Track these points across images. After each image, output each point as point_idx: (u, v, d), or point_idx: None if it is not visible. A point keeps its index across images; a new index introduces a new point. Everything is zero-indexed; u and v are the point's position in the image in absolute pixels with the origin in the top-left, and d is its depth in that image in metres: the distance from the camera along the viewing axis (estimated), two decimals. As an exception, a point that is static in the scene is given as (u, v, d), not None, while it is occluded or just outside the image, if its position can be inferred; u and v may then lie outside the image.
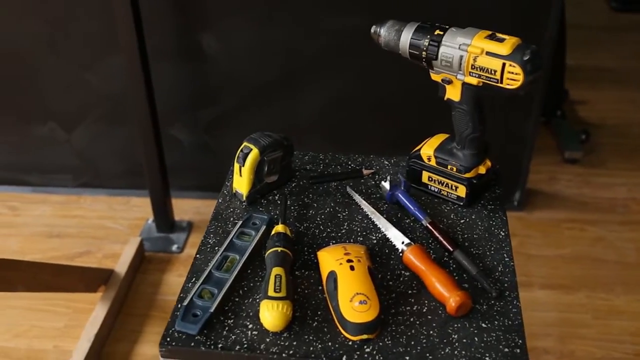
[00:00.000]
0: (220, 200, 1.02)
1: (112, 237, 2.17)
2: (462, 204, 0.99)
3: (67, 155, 2.28)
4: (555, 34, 1.87)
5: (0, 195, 2.36)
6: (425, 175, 1.01)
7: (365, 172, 1.07)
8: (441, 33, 0.90)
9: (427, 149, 1.00)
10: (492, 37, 0.87)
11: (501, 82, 0.86)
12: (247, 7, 1.93)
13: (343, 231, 0.96)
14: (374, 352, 0.77)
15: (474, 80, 0.89)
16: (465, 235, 0.94)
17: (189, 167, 2.25)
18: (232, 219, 0.98)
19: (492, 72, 0.86)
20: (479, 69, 0.87)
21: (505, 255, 0.91)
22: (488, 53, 0.86)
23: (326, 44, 1.96)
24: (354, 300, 0.79)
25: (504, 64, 0.85)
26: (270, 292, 0.80)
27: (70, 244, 2.15)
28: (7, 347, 1.80)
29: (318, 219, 0.98)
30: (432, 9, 1.84)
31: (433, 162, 0.99)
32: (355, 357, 0.77)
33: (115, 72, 2.02)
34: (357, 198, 1.00)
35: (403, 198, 0.98)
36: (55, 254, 2.10)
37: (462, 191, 0.98)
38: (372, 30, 0.97)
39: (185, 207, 2.25)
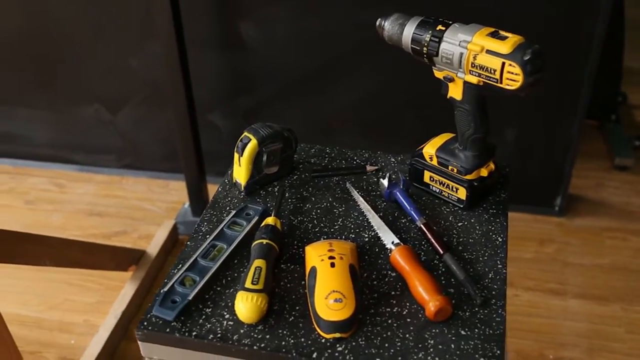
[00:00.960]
0: (220, 189, 1.03)
1: (149, 218, 2.22)
2: (462, 206, 0.96)
3: (111, 136, 2.34)
4: (603, 33, 1.78)
5: (49, 172, 2.45)
6: (427, 175, 0.98)
7: (369, 168, 1.05)
8: (443, 29, 0.87)
9: (430, 148, 0.97)
10: (494, 35, 0.84)
11: (501, 82, 0.83)
12: (286, -4, 1.93)
13: (336, 227, 0.94)
14: (346, 352, 0.76)
15: (474, 79, 0.86)
16: (461, 239, 0.92)
17: (226, 154, 2.26)
18: (228, 208, 0.99)
19: (492, 71, 0.83)
20: (478, 68, 0.84)
21: (498, 262, 0.88)
22: (488, 51, 0.83)
23: (364, 38, 1.93)
24: (329, 298, 0.78)
25: (503, 63, 0.81)
26: (248, 284, 0.80)
27: (109, 223, 2.21)
28: (41, 317, 1.87)
29: (313, 213, 0.97)
30: (473, 2, 1.79)
31: (435, 162, 0.97)
32: (326, 355, 0.76)
33: (157, 58, 2.06)
34: (355, 194, 0.99)
35: (401, 197, 0.95)
36: (93, 232, 2.17)
37: (462, 193, 0.95)
38: (377, 23, 0.95)
39: (221, 194, 2.27)
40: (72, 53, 2.18)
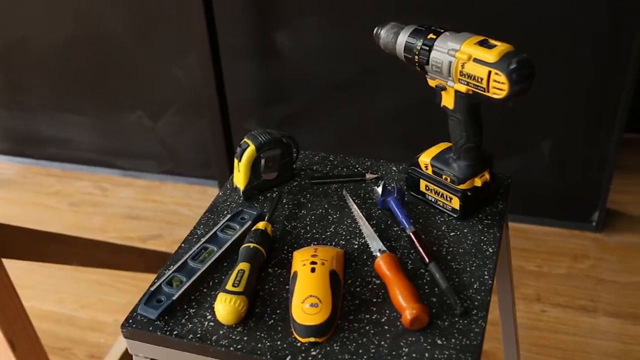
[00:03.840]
0: (220, 193, 1.05)
1: (185, 223, 2.28)
2: (456, 216, 0.95)
3: (152, 142, 2.42)
4: (641, 44, 1.73)
5: (94, 176, 2.55)
6: (422, 184, 0.98)
7: (368, 176, 1.05)
8: (434, 37, 0.87)
9: (425, 157, 0.97)
10: (482, 43, 0.83)
11: (488, 91, 0.82)
12: (321, 7, 1.95)
13: (328, 233, 0.95)
14: (319, 356, 0.76)
15: (463, 88, 0.85)
16: (451, 249, 0.91)
17: (261, 162, 2.31)
18: (225, 212, 1.01)
19: (479, 79, 0.82)
20: (466, 76, 0.84)
21: (485, 272, 0.87)
22: (475, 60, 0.82)
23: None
24: (305, 302, 0.79)
25: (489, 72, 0.81)
26: (229, 286, 0.81)
27: (145, 227, 2.28)
28: (74, 315, 1.94)
29: (307, 220, 0.98)
30: (501, 11, 1.77)
31: (430, 171, 0.96)
32: (300, 358, 0.76)
33: (197, 66, 2.11)
34: (350, 202, 0.99)
35: (393, 205, 0.95)
36: (130, 235, 2.24)
37: (455, 203, 0.94)
38: (374, 32, 0.95)
39: (254, 201, 2.31)
40: (117, 61, 2.26)
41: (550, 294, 1.85)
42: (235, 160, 1.01)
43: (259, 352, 0.78)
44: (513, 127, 1.92)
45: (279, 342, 0.79)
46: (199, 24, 1.83)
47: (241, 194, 1.02)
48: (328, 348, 0.77)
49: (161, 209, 2.37)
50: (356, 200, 1.00)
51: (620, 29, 1.74)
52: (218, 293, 0.81)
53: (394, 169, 1.08)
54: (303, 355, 0.77)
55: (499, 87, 0.80)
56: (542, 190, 2.05)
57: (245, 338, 0.79)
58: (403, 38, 0.90)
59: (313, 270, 0.82)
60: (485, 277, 0.86)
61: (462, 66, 0.84)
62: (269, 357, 0.77)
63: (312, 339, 0.78)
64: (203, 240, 0.93)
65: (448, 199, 0.95)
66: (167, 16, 2.11)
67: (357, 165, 1.10)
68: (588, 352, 1.68)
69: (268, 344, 0.78)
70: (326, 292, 0.80)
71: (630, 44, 1.74)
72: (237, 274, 0.83)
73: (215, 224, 0.98)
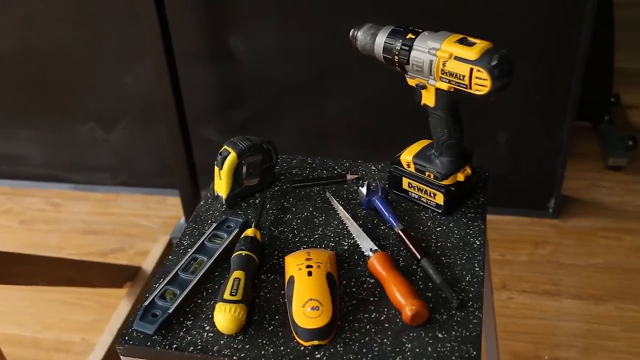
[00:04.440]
0: (202, 203, 1.04)
1: (145, 235, 2.24)
2: (440, 211, 0.97)
3: (105, 154, 2.36)
4: (588, 35, 1.79)
5: (44, 192, 2.47)
6: (405, 182, 0.99)
7: (349, 177, 1.06)
8: (413, 37, 0.88)
9: (407, 155, 0.99)
10: (462, 41, 0.85)
11: (470, 88, 0.84)
12: (275, 9, 1.94)
13: (316, 236, 0.95)
14: (324, 359, 0.77)
15: (445, 86, 0.87)
16: (439, 244, 0.93)
17: (220, 168, 2.29)
18: (209, 221, 1.00)
19: (461, 77, 0.84)
20: (448, 74, 0.85)
21: (476, 264, 0.89)
22: (456, 58, 0.84)
23: (353, 48, 1.95)
24: (306, 306, 0.79)
25: (471, 69, 0.83)
26: (226, 295, 0.81)
27: (105, 241, 2.22)
28: (38, 337, 1.88)
29: (294, 224, 0.98)
30: (455, 10, 1.81)
31: (412, 169, 0.98)
32: (304, 362, 0.77)
33: (150, 74, 2.08)
34: (335, 203, 1.00)
35: (379, 204, 0.96)
36: (90, 250, 2.18)
37: (440, 198, 0.96)
38: (350, 34, 0.96)
39: (216, 207, 2.29)
40: (65, 73, 2.20)
41: (516, 281, 1.90)
42: (216, 168, 1.00)
43: (263, 359, 0.77)
44: (469, 120, 1.96)
45: (282, 348, 0.79)
46: (152, 31, 1.79)
47: (224, 201, 1.01)
48: (332, 350, 0.78)
49: (119, 222, 2.32)
50: (340, 202, 1.01)
51: (569, 24, 1.80)
52: (216, 303, 0.81)
53: (373, 168, 1.09)
54: (308, 359, 0.77)
55: (481, 83, 0.82)
56: (500, 181, 2.09)
57: (247, 346, 0.79)
58: (381, 39, 0.92)
59: (310, 273, 0.83)
60: (476, 269, 0.88)
61: (444, 64, 0.86)
62: (273, 363, 0.77)
63: (315, 342, 0.78)
64: (192, 251, 0.91)
65: (432, 195, 0.96)
66: (115, 25, 2.06)
67: (336, 167, 1.10)
68: (556, 335, 1.74)
69: (271, 350, 0.78)
70: (325, 295, 0.80)
71: (577, 38, 1.81)
72: (233, 283, 0.82)
73: (200, 233, 0.97)
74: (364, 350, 0.77)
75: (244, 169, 1.00)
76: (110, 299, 1.97)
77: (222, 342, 0.80)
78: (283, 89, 2.10)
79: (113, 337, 1.76)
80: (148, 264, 2.01)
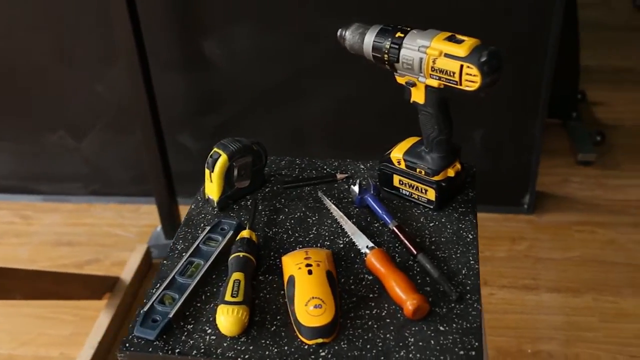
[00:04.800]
0: (192, 206, 1.03)
1: (121, 244, 2.20)
2: (432, 207, 0.98)
3: (77, 163, 2.33)
4: (557, 34, 1.84)
5: (13, 204, 2.41)
6: (396, 179, 1.00)
7: (339, 176, 1.06)
8: (402, 35, 0.90)
9: (397, 153, 1.00)
10: (450, 39, 0.86)
11: (460, 84, 0.85)
12: (248, 13, 1.94)
13: (311, 236, 0.96)
14: (329, 356, 0.77)
15: (435, 83, 0.88)
16: (433, 239, 0.94)
17: (196, 174, 2.25)
18: (202, 224, 0.99)
19: (451, 74, 0.85)
20: (438, 71, 0.87)
21: (470, 258, 0.90)
22: (446, 55, 0.85)
23: (330, 48, 1.95)
24: (309, 305, 0.79)
25: (461, 66, 0.84)
26: (227, 297, 0.80)
27: (79, 252, 2.18)
28: (14, 355, 1.84)
29: (287, 224, 0.98)
30: (430, 10, 1.84)
31: (403, 166, 0.99)
32: (310, 361, 0.77)
33: (122, 80, 2.06)
34: (327, 202, 1.00)
35: (372, 202, 0.97)
36: (64, 262, 2.14)
37: (431, 194, 0.97)
38: (338, 34, 0.97)
39: (193, 214, 2.27)
40: (33, 80, 2.16)
41: (495, 277, 1.93)
42: (207, 171, 1.00)
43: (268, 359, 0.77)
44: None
45: (285, 347, 0.78)
46: (126, 37, 1.77)
47: (215, 204, 1.01)
48: (336, 347, 0.78)
49: (94, 232, 2.28)
50: (332, 201, 1.01)
51: (539, 24, 1.84)
52: (218, 305, 0.80)
53: (362, 167, 1.10)
54: (313, 357, 0.77)
55: (471, 79, 0.84)
56: (476, 178, 2.14)
57: (251, 347, 0.79)
58: (370, 38, 0.92)
59: (310, 272, 0.83)
60: (471, 262, 0.90)
61: (434, 62, 0.87)
62: (278, 363, 0.77)
63: (319, 340, 0.78)
64: (187, 254, 0.91)
65: (423, 191, 0.98)
66: (84, 32, 2.04)
67: (324, 167, 1.11)
68: (537, 328, 1.77)
69: (275, 350, 0.78)
70: (327, 293, 0.81)
71: (546, 38, 1.85)
72: (233, 285, 0.82)
73: (193, 237, 0.97)
74: (368, 346, 0.78)
75: (235, 171, 1.00)
76: (87, 311, 1.94)
77: (225, 344, 0.79)
78: (258, 92, 2.10)
79: (94, 350, 1.73)
80: (126, 274, 1.98)
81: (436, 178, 0.96)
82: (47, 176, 2.39)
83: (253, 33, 1.97)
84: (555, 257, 2.01)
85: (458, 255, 0.91)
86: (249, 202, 1.03)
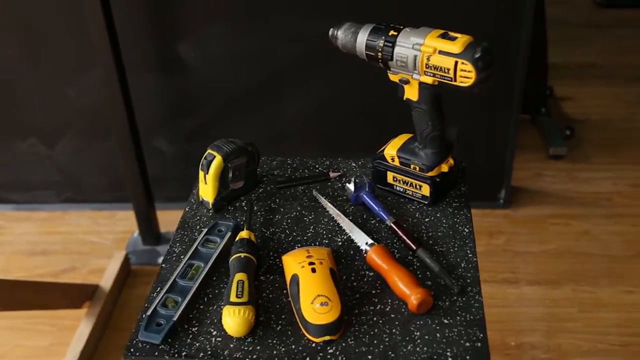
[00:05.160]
0: (187, 209, 1.03)
1: (98, 252, 2.17)
2: (426, 202, 0.99)
3: (49, 171, 2.28)
4: (529, 32, 1.88)
5: (-15, 214, 2.36)
6: (390, 176, 1.01)
7: (332, 175, 1.07)
8: (395, 33, 0.91)
9: (390, 150, 1.00)
10: (444, 36, 0.88)
11: (455, 80, 0.87)
12: (223, 14, 1.94)
13: (309, 234, 0.96)
14: (337, 353, 0.77)
15: (429, 80, 0.90)
16: (430, 234, 0.95)
17: (172, 178, 2.26)
18: (198, 227, 0.98)
19: (446, 70, 0.87)
20: (432, 68, 0.88)
21: (468, 251, 0.91)
22: (441, 52, 0.87)
23: (305, 49, 1.97)
24: (315, 302, 0.79)
25: (456, 62, 0.85)
26: (232, 298, 0.80)
27: (54, 261, 2.14)
28: (-9, 368, 1.80)
29: (284, 224, 0.98)
30: (403, 10, 1.85)
31: (397, 162, 1.00)
32: (318, 358, 0.77)
33: (95, 85, 2.03)
34: (323, 201, 1.01)
35: (368, 199, 0.98)
36: (39, 272, 2.10)
37: (426, 190, 0.98)
38: (330, 33, 0.97)
39: (171, 219, 2.25)
40: (2, 86, 2.12)
41: (476, 272, 1.95)
42: (201, 173, 0.99)
43: (276, 359, 0.77)
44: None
45: (293, 346, 0.79)
46: (101, 40, 1.75)
47: (210, 206, 1.00)
48: (343, 344, 0.79)
49: (69, 240, 2.24)
50: (326, 199, 1.02)
51: (511, 22, 1.88)
52: (223, 307, 0.80)
53: (354, 164, 1.11)
54: (321, 354, 0.77)
55: (466, 75, 0.85)
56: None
57: (258, 347, 0.79)
58: (363, 37, 0.93)
59: (314, 270, 0.83)
60: (469, 255, 0.91)
61: (428, 59, 0.88)
62: (287, 362, 0.77)
63: (326, 338, 0.78)
64: (186, 257, 0.90)
65: (418, 187, 0.99)
66: (55, 36, 2.00)
67: (316, 166, 1.11)
68: (519, 320, 1.80)
69: (283, 349, 0.78)
70: (332, 290, 0.81)
71: (518, 35, 1.89)
72: (237, 285, 0.82)
73: (190, 240, 0.96)
74: (375, 342, 0.78)
75: (230, 172, 0.99)
76: (66, 320, 1.90)
77: (231, 345, 0.79)
78: (235, 94, 2.09)
79: (76, 359, 1.70)
80: (105, 281, 1.95)
81: (430, 174, 0.97)
82: (18, 185, 2.34)
83: (228, 35, 1.96)
84: (533, 250, 2.05)
85: (456, 249, 0.92)
86: (243, 203, 1.03)
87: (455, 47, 0.85)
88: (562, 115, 2.73)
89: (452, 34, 0.88)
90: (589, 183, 2.35)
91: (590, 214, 2.21)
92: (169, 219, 2.24)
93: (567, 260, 2.01)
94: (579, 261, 2.01)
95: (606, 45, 3.33)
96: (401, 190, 1.01)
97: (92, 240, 2.23)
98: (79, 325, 1.82)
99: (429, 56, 0.88)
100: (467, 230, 0.95)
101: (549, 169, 2.42)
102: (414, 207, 1.00)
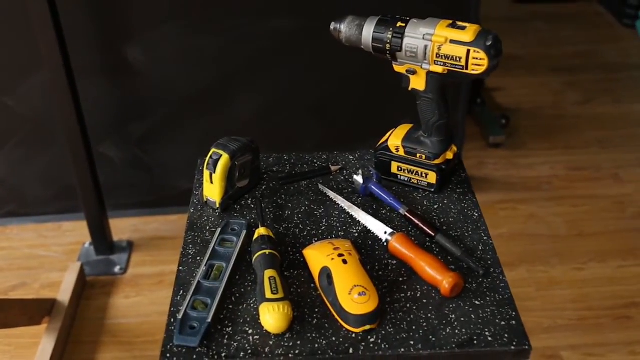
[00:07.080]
0: (192, 210, 1.00)
1: (48, 265, 2.07)
2: (433, 190, 1.01)
3: (-12, 184, 2.16)
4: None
5: None
6: (394, 166, 1.03)
7: (333, 168, 1.07)
8: (403, 25, 0.92)
9: (395, 140, 1.02)
10: (453, 26, 0.90)
11: (466, 68, 0.89)
12: (171, 16, 1.89)
13: (323, 228, 0.96)
14: (379, 341, 0.78)
15: (439, 69, 0.92)
16: (442, 220, 0.97)
17: (122, 185, 2.18)
18: (208, 227, 0.96)
19: (458, 59, 0.89)
20: (444, 57, 0.90)
21: (483, 234, 0.94)
22: (452, 41, 0.89)
23: (256, 48, 1.96)
24: (352, 293, 0.79)
25: (468, 51, 0.88)
26: (268, 295, 0.79)
27: (1, 278, 2.03)
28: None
29: (295, 219, 0.98)
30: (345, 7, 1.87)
31: (402, 152, 1.01)
32: (362, 348, 0.77)
33: (35, 93, 1.94)
34: (332, 194, 1.01)
35: (378, 190, 0.99)
36: (-13, 290, 1.98)
37: (432, 177, 1.00)
38: (332, 27, 0.97)
39: (123, 227, 2.18)
40: None
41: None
42: (207, 173, 0.97)
43: (320, 352, 0.77)
44: (370, 109, 2.04)
45: (333, 338, 0.79)
46: (48, 45, 1.67)
47: (217, 206, 0.98)
48: (383, 332, 0.79)
49: (14, 256, 2.12)
50: (333, 192, 1.02)
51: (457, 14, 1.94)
52: (259, 304, 0.79)
53: (351, 157, 1.11)
54: (363, 344, 0.78)
55: (478, 63, 0.88)
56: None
57: (298, 342, 0.78)
58: (369, 30, 0.94)
59: (345, 262, 0.83)
60: (484, 238, 0.94)
61: (439, 49, 0.90)
62: (331, 354, 0.77)
63: (367, 327, 0.79)
64: (206, 258, 0.88)
65: (424, 175, 1.01)
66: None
67: (314, 160, 1.11)
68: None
69: (324, 342, 0.78)
70: (367, 280, 0.82)
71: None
72: (270, 282, 0.81)
73: (203, 241, 0.94)
74: (414, 327, 0.80)
75: (237, 170, 0.98)
76: (23, 339, 1.81)
77: (271, 342, 0.78)
78: (184, 97, 2.04)
79: (42, 377, 1.62)
80: (63, 295, 1.86)
81: (437, 161, 0.99)
82: (-48, 200, 2.20)
83: (177, 36, 1.92)
84: (487, 236, 2.12)
85: (470, 232, 0.95)
86: (248, 201, 1.01)
87: (467, 36, 0.88)
88: (495, 105, 2.84)
89: (460, 23, 0.90)
90: (529, 168, 2.46)
91: (534, 197, 2.31)
92: (121, 227, 2.16)
93: (519, 243, 2.10)
94: (530, 243, 2.10)
95: (526, 38, 3.49)
96: (406, 179, 1.03)
97: (40, 254, 2.12)
98: (38, 343, 1.73)
99: (440, 46, 0.90)
100: (476, 215, 0.98)
101: (490, 157, 2.51)
102: (420, 196, 1.02)
